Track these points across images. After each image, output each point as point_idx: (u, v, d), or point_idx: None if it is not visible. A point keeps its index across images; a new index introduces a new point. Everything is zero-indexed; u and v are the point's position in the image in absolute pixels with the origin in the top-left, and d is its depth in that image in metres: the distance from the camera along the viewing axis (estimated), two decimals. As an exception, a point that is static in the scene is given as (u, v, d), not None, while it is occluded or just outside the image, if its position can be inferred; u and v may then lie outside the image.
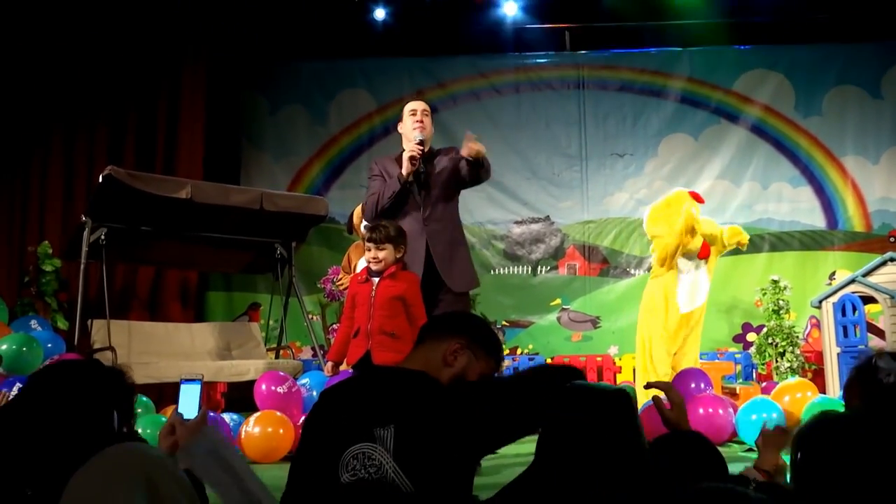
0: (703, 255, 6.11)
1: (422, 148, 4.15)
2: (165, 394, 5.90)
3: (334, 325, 7.51)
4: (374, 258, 3.84)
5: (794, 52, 8.52)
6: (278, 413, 4.53)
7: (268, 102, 8.73)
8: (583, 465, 1.34)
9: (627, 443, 1.35)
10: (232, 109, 8.57)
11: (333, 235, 8.07)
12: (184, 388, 2.01)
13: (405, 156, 4.14)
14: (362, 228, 6.18)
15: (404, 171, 4.13)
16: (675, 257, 5.96)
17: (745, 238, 6.23)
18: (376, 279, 3.84)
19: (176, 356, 5.93)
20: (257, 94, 8.73)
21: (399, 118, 4.43)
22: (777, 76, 8.56)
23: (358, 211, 6.25)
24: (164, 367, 5.47)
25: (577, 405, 1.48)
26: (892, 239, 7.99)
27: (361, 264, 6.19)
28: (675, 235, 5.90)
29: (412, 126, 4.23)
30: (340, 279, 6.33)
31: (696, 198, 6.18)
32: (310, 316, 6.68)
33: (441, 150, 4.40)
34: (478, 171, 4.15)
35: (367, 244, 3.88)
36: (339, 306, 6.93)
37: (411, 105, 4.35)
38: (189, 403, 1.98)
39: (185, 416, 1.98)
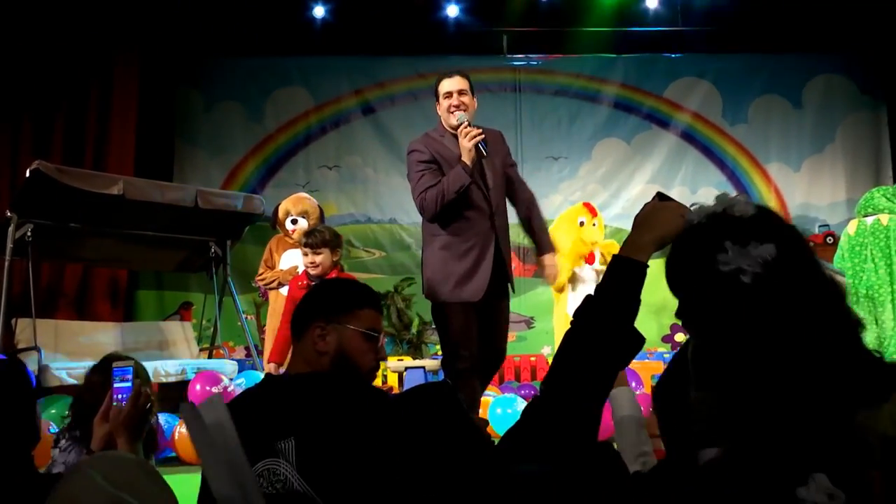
0: (589, 261, 6.52)
1: (480, 131, 3.55)
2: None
3: (269, 325, 7.42)
4: (311, 263, 3.86)
5: (722, 61, 8.81)
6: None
7: (203, 98, 8.59)
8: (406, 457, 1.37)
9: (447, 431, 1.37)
10: (165, 105, 8.40)
11: (269, 234, 7.97)
12: (116, 375, 1.97)
13: (465, 143, 3.52)
14: (287, 223, 6.15)
15: (467, 160, 3.54)
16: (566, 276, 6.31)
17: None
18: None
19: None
20: (192, 89, 8.58)
21: (435, 98, 3.84)
22: (706, 84, 8.84)
23: (283, 206, 6.21)
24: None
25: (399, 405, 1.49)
26: (810, 245, 8.31)
27: (285, 259, 6.09)
28: (565, 258, 6.27)
29: (447, 109, 3.68)
30: (262, 274, 6.18)
31: (591, 210, 6.53)
32: (244, 315, 6.61)
33: (487, 130, 3.74)
34: None
35: (304, 249, 3.91)
36: (274, 306, 6.85)
37: (444, 86, 3.71)
38: (122, 390, 1.95)
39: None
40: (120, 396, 1.94)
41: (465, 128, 3.52)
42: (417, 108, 8.75)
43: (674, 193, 8.73)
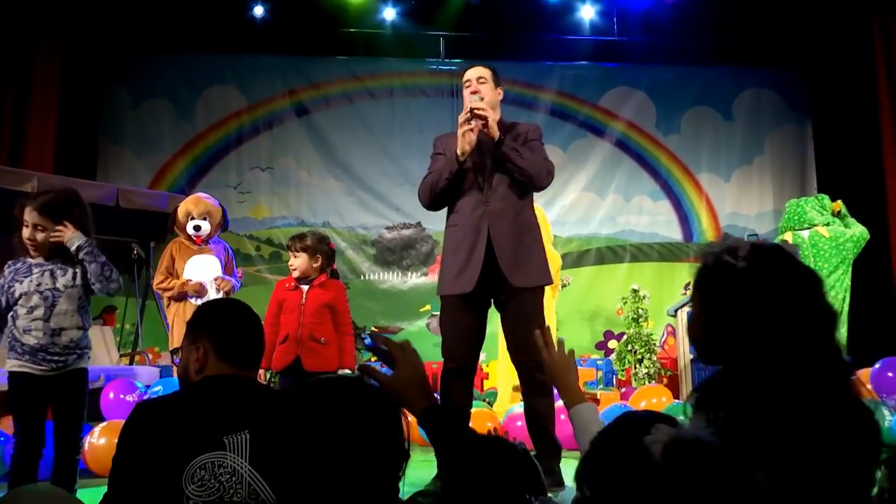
0: None
1: (473, 115, 3.42)
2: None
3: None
4: (290, 265, 4.01)
5: (656, 71, 8.92)
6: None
7: (130, 95, 8.31)
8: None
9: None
10: (90, 100, 8.08)
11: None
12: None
13: (459, 131, 3.45)
14: (189, 227, 5.34)
15: (458, 150, 3.43)
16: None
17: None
18: (305, 287, 3.96)
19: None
20: (118, 85, 8.29)
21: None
22: (640, 94, 8.94)
23: (183, 207, 5.43)
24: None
25: None
26: (740, 253, 8.50)
27: (190, 265, 5.24)
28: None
29: (468, 97, 3.59)
30: (162, 281, 5.35)
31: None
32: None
33: (515, 124, 3.70)
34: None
35: (290, 251, 4.05)
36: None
37: (465, 75, 3.71)
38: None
39: None
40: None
41: (467, 114, 3.44)
42: (352, 110, 8.64)
43: (608, 201, 8.84)
